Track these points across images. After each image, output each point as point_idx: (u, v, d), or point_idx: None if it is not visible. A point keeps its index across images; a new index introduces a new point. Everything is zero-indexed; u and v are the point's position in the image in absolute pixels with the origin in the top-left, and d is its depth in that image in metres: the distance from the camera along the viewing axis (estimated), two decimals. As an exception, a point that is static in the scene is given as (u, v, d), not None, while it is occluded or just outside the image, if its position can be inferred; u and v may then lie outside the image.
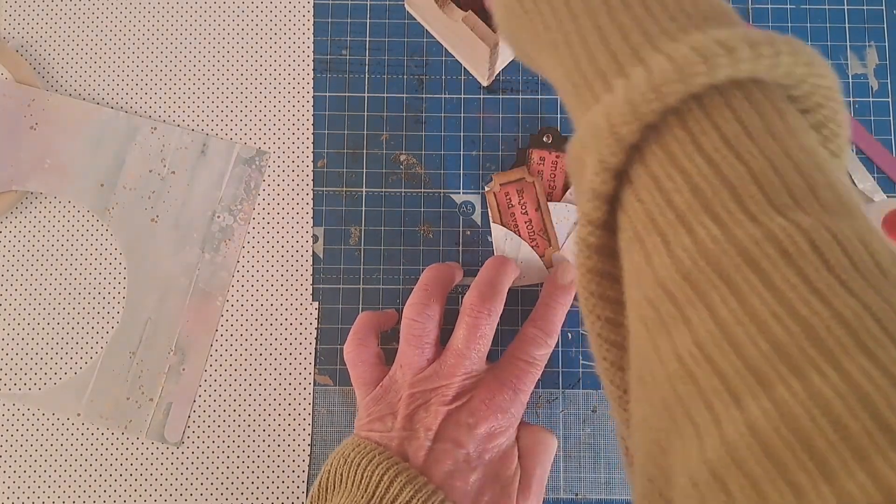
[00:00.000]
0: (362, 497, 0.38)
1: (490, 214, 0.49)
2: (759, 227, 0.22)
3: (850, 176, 0.49)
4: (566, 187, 0.50)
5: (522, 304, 0.49)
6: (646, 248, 0.24)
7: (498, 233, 0.49)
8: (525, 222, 0.49)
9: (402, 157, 0.50)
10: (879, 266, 0.21)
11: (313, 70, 0.51)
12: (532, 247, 0.48)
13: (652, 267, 0.24)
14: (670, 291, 0.23)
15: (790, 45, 0.25)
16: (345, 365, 0.45)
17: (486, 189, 0.49)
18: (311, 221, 0.50)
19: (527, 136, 0.50)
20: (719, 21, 0.26)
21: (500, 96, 0.51)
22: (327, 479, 0.40)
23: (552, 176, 0.50)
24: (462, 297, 0.44)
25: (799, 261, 0.21)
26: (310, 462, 0.48)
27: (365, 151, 0.50)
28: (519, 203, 0.49)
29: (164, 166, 0.50)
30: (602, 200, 0.26)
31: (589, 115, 0.26)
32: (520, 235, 0.49)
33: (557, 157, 0.50)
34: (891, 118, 0.50)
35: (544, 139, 0.50)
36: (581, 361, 0.48)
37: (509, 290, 0.46)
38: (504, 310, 0.44)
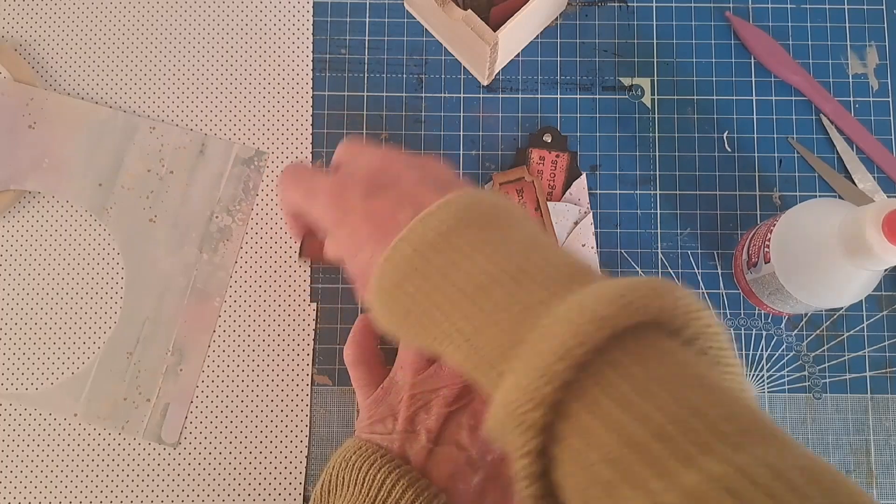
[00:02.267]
0: (364, 500, 0.37)
1: None
2: (699, 472, 0.22)
3: (851, 176, 0.49)
4: (566, 187, 0.49)
5: (522, 304, 0.49)
6: None
7: None
8: None
9: (402, 157, 0.50)
10: (817, 482, 0.22)
11: (312, 69, 0.51)
12: None
13: None
14: None
15: (650, 286, 0.26)
16: (343, 365, 0.45)
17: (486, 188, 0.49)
18: (309, 221, 0.50)
19: (526, 136, 0.50)
20: (581, 277, 0.28)
21: (500, 95, 0.51)
22: (329, 481, 0.40)
23: (552, 175, 0.49)
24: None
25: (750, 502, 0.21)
26: (307, 462, 0.47)
27: (364, 151, 0.50)
28: (519, 202, 0.49)
29: (163, 166, 0.50)
30: (532, 478, 0.27)
31: (496, 402, 0.27)
32: None
33: (557, 156, 0.50)
34: (891, 118, 0.50)
35: (544, 138, 0.50)
36: (581, 362, 0.48)
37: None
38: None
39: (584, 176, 0.49)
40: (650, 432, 0.23)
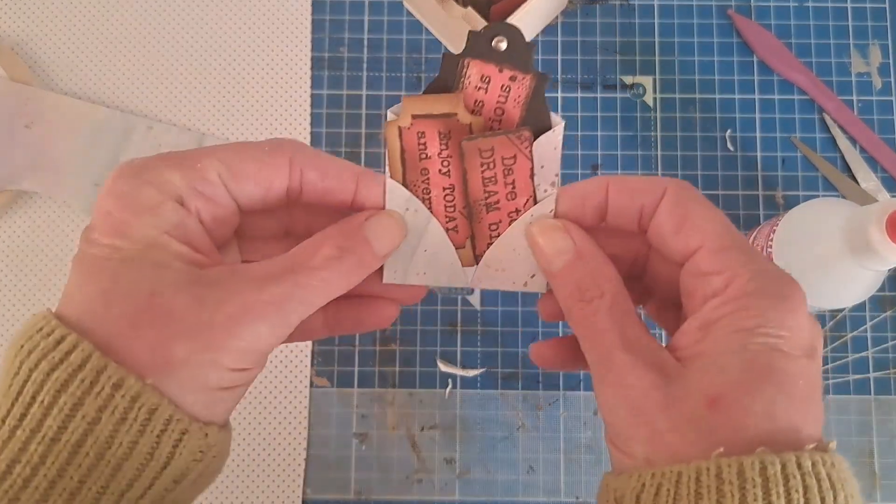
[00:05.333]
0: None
1: (387, 162, 0.28)
2: None
3: (854, 176, 0.49)
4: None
5: (522, 304, 0.48)
6: None
7: (397, 196, 0.28)
8: (445, 188, 0.28)
9: (401, 156, 0.50)
10: None
11: (311, 68, 0.51)
12: (447, 230, 0.29)
13: None
14: None
15: None
16: (343, 365, 0.45)
17: (388, 118, 0.28)
18: (308, 221, 0.49)
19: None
20: None
21: (500, 95, 0.50)
22: None
23: (500, 112, 0.28)
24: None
25: None
26: (306, 464, 0.47)
27: (363, 150, 0.50)
28: (439, 155, 0.28)
29: (160, 165, 0.50)
30: None
31: None
32: (431, 208, 0.29)
33: (513, 79, 0.27)
34: (894, 117, 0.50)
35: (494, 43, 0.27)
36: (582, 363, 0.48)
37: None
38: (500, 310, 0.43)
39: (560, 127, 0.28)
40: None
